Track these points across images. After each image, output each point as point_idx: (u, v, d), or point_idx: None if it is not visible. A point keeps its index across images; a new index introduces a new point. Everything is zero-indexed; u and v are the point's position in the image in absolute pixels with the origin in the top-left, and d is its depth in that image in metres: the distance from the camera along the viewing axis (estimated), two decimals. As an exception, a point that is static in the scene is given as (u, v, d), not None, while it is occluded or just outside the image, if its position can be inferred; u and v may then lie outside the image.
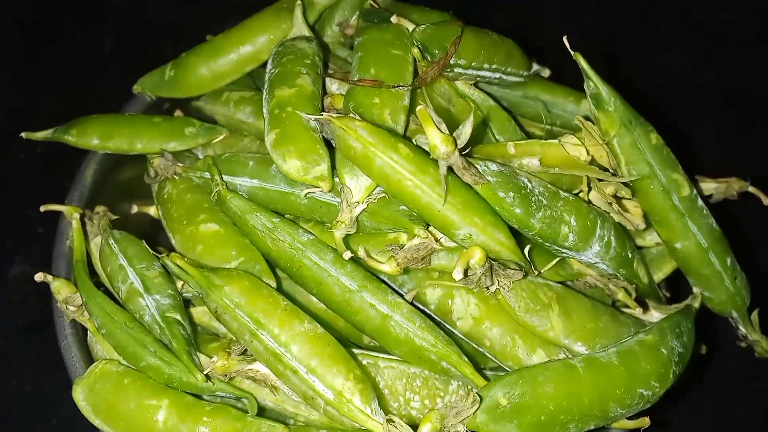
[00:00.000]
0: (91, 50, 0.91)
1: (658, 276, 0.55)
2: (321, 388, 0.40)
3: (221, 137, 0.58)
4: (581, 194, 0.50)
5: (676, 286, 0.58)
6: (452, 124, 0.52)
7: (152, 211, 0.56)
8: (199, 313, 0.50)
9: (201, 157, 0.59)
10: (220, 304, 0.42)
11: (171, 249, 0.54)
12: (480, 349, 0.48)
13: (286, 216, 0.49)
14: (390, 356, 0.47)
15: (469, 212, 0.41)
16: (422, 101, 0.51)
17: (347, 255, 0.43)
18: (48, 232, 0.59)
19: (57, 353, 0.50)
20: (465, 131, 0.39)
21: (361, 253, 0.43)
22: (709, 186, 0.57)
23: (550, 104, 0.60)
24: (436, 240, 0.43)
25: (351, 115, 0.41)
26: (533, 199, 0.43)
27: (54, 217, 0.56)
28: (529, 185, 0.44)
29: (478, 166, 0.41)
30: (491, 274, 0.41)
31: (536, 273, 0.45)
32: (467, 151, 0.40)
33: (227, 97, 0.58)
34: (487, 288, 0.41)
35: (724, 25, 0.95)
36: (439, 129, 0.38)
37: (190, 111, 0.62)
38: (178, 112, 0.64)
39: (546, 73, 0.62)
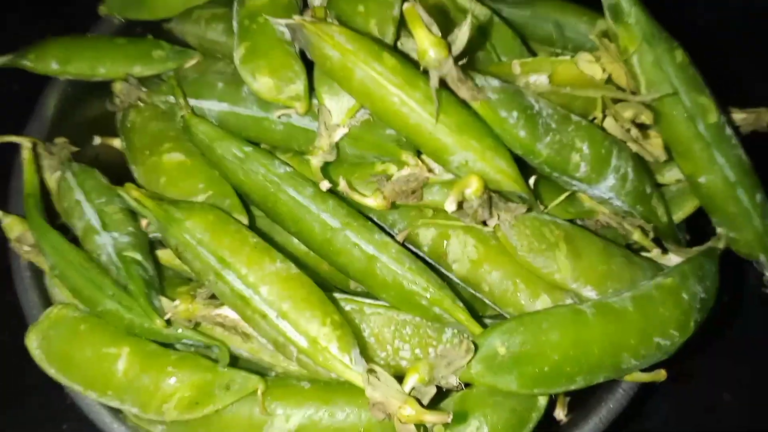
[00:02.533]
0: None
1: (678, 216, 0.49)
2: (293, 334, 0.35)
3: (193, 61, 0.52)
4: (595, 120, 0.44)
5: (697, 228, 0.53)
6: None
7: (117, 143, 0.50)
8: (168, 255, 0.45)
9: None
10: (181, 240, 0.37)
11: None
12: (478, 294, 0.43)
13: (261, 145, 0.43)
14: (377, 302, 0.42)
15: (465, 134, 0.35)
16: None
17: (325, 185, 0.37)
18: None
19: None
20: (461, 35, 0.33)
21: (342, 184, 0.38)
22: (736, 116, 0.51)
23: (562, 25, 0.54)
24: (429, 170, 0.38)
25: (328, 19, 0.35)
26: (540, 121, 0.37)
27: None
28: (536, 105, 0.38)
29: (478, 79, 0.36)
30: (490, 207, 0.35)
31: (542, 208, 0.40)
32: (463, 63, 0.34)
33: (198, 15, 0.52)
34: (485, 223, 0.35)
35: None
36: (429, 31, 0.32)
37: (163, 36, 0.56)
38: (149, 38, 0.58)
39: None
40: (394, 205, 0.39)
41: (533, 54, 0.51)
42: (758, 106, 0.52)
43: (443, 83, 0.34)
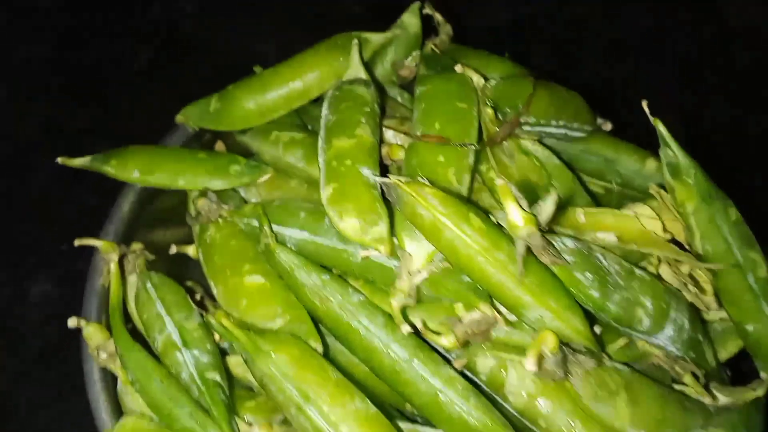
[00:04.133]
0: (124, 64, 0.89)
1: (722, 355, 0.51)
2: (373, 476, 0.37)
3: (266, 177, 0.55)
4: (649, 268, 0.47)
5: (736, 362, 0.55)
6: (512, 182, 0.50)
7: (191, 251, 0.53)
8: (233, 363, 0.47)
9: (243, 194, 0.56)
10: (267, 373, 0.39)
11: (202, 281, 0.52)
12: (534, 429, 0.45)
13: (334, 272, 0.46)
14: (438, 432, 0.44)
15: (544, 294, 0.38)
16: (486, 161, 0.48)
17: (406, 329, 0.40)
18: (71, 249, 0.57)
19: (75, 379, 0.48)
20: (546, 208, 0.36)
21: (418, 324, 0.40)
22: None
23: (612, 161, 0.57)
24: (500, 314, 0.40)
25: (419, 179, 0.38)
26: (610, 279, 0.40)
27: (77, 234, 0.53)
28: (605, 264, 0.41)
29: (554, 243, 0.38)
30: (564, 363, 0.38)
31: (607, 358, 0.42)
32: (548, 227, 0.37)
33: (276, 137, 0.55)
34: (560, 378, 0.37)
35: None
36: (520, 206, 0.35)
37: (231, 142, 0.60)
38: (219, 145, 0.61)
39: (608, 127, 0.59)
40: (464, 345, 0.42)
41: (588, 190, 0.54)
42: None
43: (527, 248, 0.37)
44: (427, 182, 0.38)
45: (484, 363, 0.45)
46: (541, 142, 0.52)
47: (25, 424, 0.64)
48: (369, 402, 0.40)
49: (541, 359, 0.37)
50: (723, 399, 0.48)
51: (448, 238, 0.38)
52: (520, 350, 0.43)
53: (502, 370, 0.44)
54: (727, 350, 0.52)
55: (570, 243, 0.39)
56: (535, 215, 0.36)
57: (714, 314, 0.52)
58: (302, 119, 0.60)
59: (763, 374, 0.50)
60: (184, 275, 0.54)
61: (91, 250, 0.53)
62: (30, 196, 0.78)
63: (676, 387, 0.48)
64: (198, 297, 0.52)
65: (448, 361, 0.44)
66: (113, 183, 0.56)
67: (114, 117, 0.83)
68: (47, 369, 0.68)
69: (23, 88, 0.86)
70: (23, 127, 0.83)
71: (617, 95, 0.82)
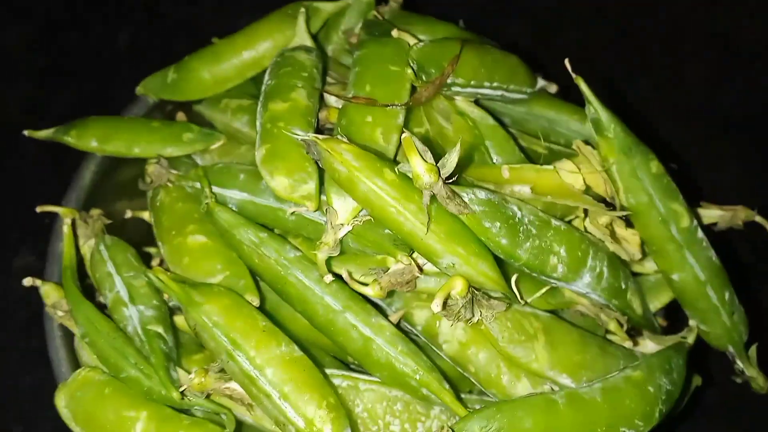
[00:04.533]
0: (105, 46, 0.91)
1: (655, 305, 0.53)
2: (293, 415, 0.39)
3: (219, 144, 0.57)
4: (576, 221, 0.49)
5: (676, 313, 0.57)
6: (449, 143, 0.52)
7: (146, 216, 0.55)
8: (182, 321, 0.50)
9: (200, 162, 0.58)
10: (199, 321, 0.42)
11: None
12: (465, 374, 0.47)
13: (275, 231, 0.48)
14: (371, 378, 0.46)
15: (452, 242, 0.40)
16: (421, 121, 0.50)
17: (328, 278, 0.42)
18: (53, 224, 0.60)
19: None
20: (450, 160, 0.38)
21: (344, 274, 0.43)
22: (713, 213, 0.56)
23: (555, 122, 0.58)
24: (419, 267, 0.43)
25: (338, 136, 0.41)
26: (521, 228, 0.42)
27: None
28: (519, 214, 0.43)
29: (464, 194, 0.41)
30: (472, 306, 0.40)
31: (523, 303, 0.44)
32: (456, 176, 0.39)
33: (225, 104, 0.58)
34: (468, 320, 0.40)
35: (747, 40, 0.92)
36: (423, 158, 0.37)
37: (193, 114, 0.62)
38: (180, 115, 0.63)
39: (553, 89, 0.60)
40: (389, 294, 0.44)
41: (525, 150, 0.56)
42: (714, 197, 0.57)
43: (434, 199, 0.39)
44: (344, 138, 0.40)
45: (420, 314, 0.47)
46: (477, 103, 0.54)
47: (11, 390, 0.67)
48: (295, 346, 0.42)
49: (449, 302, 0.39)
50: (651, 347, 0.50)
51: (363, 191, 0.40)
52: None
53: (436, 320, 0.47)
54: (660, 300, 0.54)
55: (481, 194, 0.41)
56: (437, 166, 0.38)
57: (648, 267, 0.54)
58: (258, 89, 0.62)
59: (691, 321, 0.52)
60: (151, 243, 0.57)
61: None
62: (11, 175, 0.81)
63: (608, 337, 0.50)
64: (157, 261, 0.55)
65: (385, 316, 0.46)
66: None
67: (95, 97, 0.86)
68: (31, 337, 0.72)
69: (3, 70, 0.89)
70: (4, 108, 0.85)
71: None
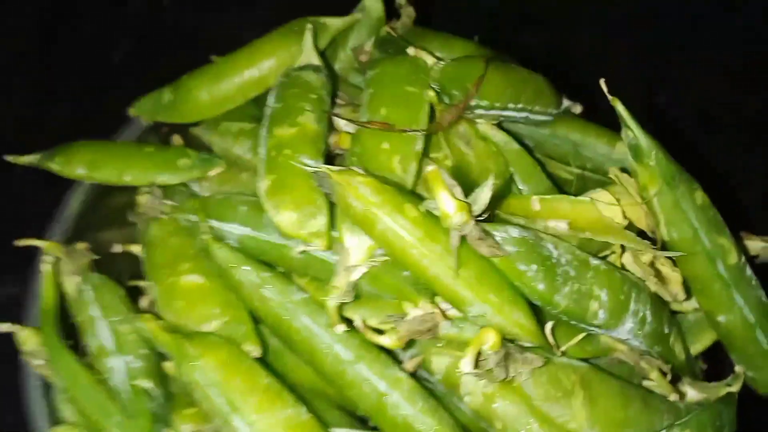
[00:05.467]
0: (104, 58, 0.87)
1: (696, 348, 0.49)
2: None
3: (217, 171, 0.53)
4: (612, 257, 0.44)
5: (714, 354, 0.52)
6: (471, 170, 0.48)
7: (137, 249, 0.51)
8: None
9: (198, 191, 0.54)
10: (192, 379, 0.37)
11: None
12: (490, 430, 0.42)
13: (278, 269, 0.44)
14: (386, 438, 0.41)
15: (483, 288, 0.35)
16: (439, 145, 0.45)
17: (340, 328, 0.37)
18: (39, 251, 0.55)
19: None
20: (482, 197, 0.33)
21: (357, 322, 0.38)
22: (755, 245, 0.51)
23: (581, 145, 0.54)
24: (443, 313, 0.38)
25: (353, 167, 0.36)
26: (559, 271, 0.37)
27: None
28: (555, 254, 0.38)
29: (497, 233, 0.36)
30: (506, 362, 0.35)
31: (559, 354, 0.39)
32: (487, 214, 0.34)
33: (225, 128, 0.53)
34: (503, 380, 0.35)
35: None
36: (452, 194, 0.33)
37: (190, 137, 0.58)
38: (176, 138, 0.59)
39: (578, 109, 0.56)
40: (408, 344, 0.39)
41: (550, 174, 0.51)
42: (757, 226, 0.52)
43: (463, 239, 0.34)
44: (360, 170, 0.36)
45: (439, 362, 0.42)
46: (500, 126, 0.49)
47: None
48: (302, 408, 0.37)
49: (479, 358, 0.34)
50: (692, 395, 0.45)
51: (381, 230, 0.35)
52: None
53: (456, 369, 0.42)
54: (702, 343, 0.49)
55: (514, 232, 0.37)
56: (468, 203, 0.33)
57: (687, 305, 0.49)
58: (260, 110, 0.57)
59: (738, 367, 0.47)
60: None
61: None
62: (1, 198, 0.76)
63: (645, 384, 0.45)
64: (146, 302, 0.50)
65: (400, 362, 0.42)
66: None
67: (92, 114, 0.81)
68: (16, 371, 0.67)
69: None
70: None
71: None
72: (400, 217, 0.35)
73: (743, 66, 0.86)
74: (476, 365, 0.34)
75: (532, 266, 0.36)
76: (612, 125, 0.57)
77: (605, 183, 0.51)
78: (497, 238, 0.35)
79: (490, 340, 0.34)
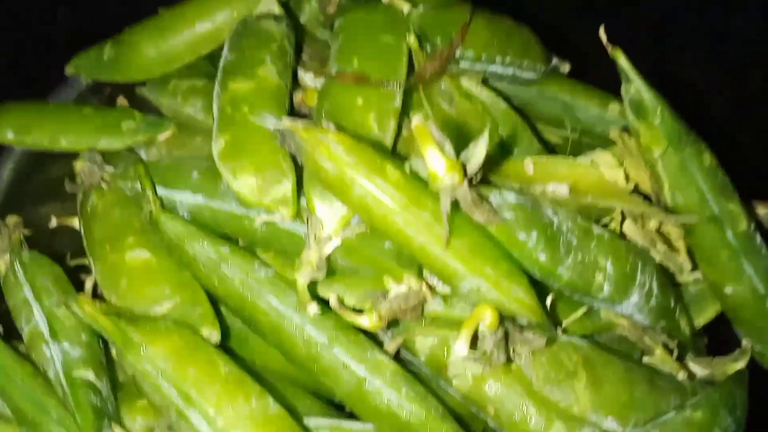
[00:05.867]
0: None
1: (698, 322, 0.45)
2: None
3: (166, 134, 0.47)
4: (612, 223, 0.40)
5: (714, 327, 0.49)
6: (452, 130, 0.43)
7: (76, 222, 0.44)
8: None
9: (145, 157, 0.48)
10: (139, 369, 0.32)
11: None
12: (481, 415, 0.38)
13: (239, 243, 0.38)
14: (365, 426, 0.37)
15: (478, 259, 0.31)
16: (419, 104, 0.40)
17: (313, 308, 0.32)
18: None
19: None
20: (477, 154, 0.28)
21: (333, 301, 0.33)
22: (762, 211, 0.48)
23: (571, 106, 0.49)
24: (431, 288, 0.33)
25: (324, 124, 0.31)
26: (561, 239, 0.33)
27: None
28: (555, 221, 0.33)
29: (492, 197, 0.31)
30: (506, 343, 0.30)
31: (560, 331, 0.35)
32: (481, 176, 0.29)
33: (175, 86, 0.47)
34: (503, 363, 0.30)
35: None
36: (442, 151, 0.28)
37: (136, 98, 0.51)
38: (121, 100, 0.52)
39: (566, 68, 0.51)
40: (390, 324, 0.34)
41: (541, 139, 0.47)
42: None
43: (455, 204, 0.29)
44: (331, 126, 0.30)
45: (424, 342, 0.38)
46: (485, 83, 0.45)
47: None
48: (269, 399, 0.32)
49: (475, 339, 0.30)
50: (700, 372, 0.41)
51: (359, 195, 0.30)
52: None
53: (443, 349, 0.37)
54: (704, 316, 0.45)
55: (511, 197, 0.32)
56: (462, 162, 0.28)
57: (687, 275, 0.45)
58: (215, 68, 0.51)
59: (745, 341, 0.43)
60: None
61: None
62: None
63: (645, 360, 0.42)
64: (90, 282, 0.44)
65: (380, 343, 0.37)
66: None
67: (18, 70, 0.73)
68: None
69: None
70: None
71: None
72: (380, 180, 0.30)
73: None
74: (472, 347, 0.29)
75: (532, 235, 0.32)
76: (603, 86, 0.53)
77: (597, 147, 0.47)
78: (493, 203, 0.30)
79: (487, 318, 0.30)
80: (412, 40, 0.39)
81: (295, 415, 0.34)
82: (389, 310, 0.33)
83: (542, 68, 0.47)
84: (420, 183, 0.30)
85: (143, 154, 0.48)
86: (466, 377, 0.37)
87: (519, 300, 0.32)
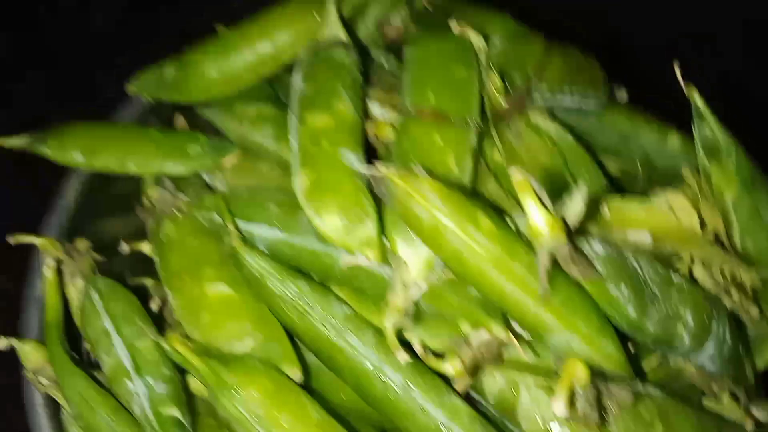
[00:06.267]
0: (78, 25, 0.79)
1: (759, 364, 0.45)
2: None
3: (232, 159, 0.47)
4: (682, 268, 0.40)
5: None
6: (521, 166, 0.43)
7: (147, 249, 0.45)
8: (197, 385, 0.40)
9: (208, 181, 0.48)
10: (233, 413, 0.32)
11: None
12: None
13: (314, 278, 0.39)
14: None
15: (571, 315, 0.31)
16: (489, 142, 0.40)
17: (403, 357, 0.33)
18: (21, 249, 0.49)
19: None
20: (574, 207, 0.29)
21: (417, 347, 0.33)
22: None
23: (629, 137, 0.49)
24: (518, 337, 0.33)
25: (415, 168, 0.31)
26: (646, 291, 0.33)
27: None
28: (639, 271, 0.34)
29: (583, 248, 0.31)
30: (599, 402, 0.31)
31: (640, 385, 0.35)
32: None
33: (242, 112, 0.47)
34: (599, 424, 0.31)
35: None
36: (545, 208, 0.28)
37: (195, 118, 0.52)
38: (180, 121, 0.53)
39: (624, 96, 0.51)
40: (472, 372, 0.35)
41: (605, 173, 0.47)
42: None
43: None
44: (423, 172, 0.31)
45: (492, 383, 0.38)
46: (551, 115, 0.45)
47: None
48: (358, 444, 0.33)
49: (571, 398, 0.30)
50: (765, 419, 0.41)
51: (452, 246, 0.30)
52: (534, 370, 0.37)
53: (512, 391, 0.38)
54: (764, 358, 0.46)
55: (599, 248, 0.32)
56: (562, 218, 0.28)
57: (754, 320, 0.45)
58: (275, 90, 0.51)
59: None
60: (147, 272, 0.47)
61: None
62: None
63: (704, 402, 0.42)
64: (155, 306, 0.44)
65: (448, 382, 0.37)
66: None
67: (70, 87, 0.74)
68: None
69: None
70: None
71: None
72: (474, 230, 0.30)
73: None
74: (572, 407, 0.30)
75: (621, 288, 0.32)
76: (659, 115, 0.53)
77: (658, 182, 0.47)
78: (590, 260, 0.31)
79: (580, 375, 0.30)
80: (495, 79, 0.39)
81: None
82: (473, 357, 0.34)
83: (604, 98, 0.47)
84: (512, 234, 0.31)
85: (207, 179, 0.48)
86: (535, 420, 0.38)
87: (608, 355, 0.32)
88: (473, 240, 0.30)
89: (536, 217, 0.28)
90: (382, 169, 0.30)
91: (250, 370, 0.33)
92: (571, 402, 0.30)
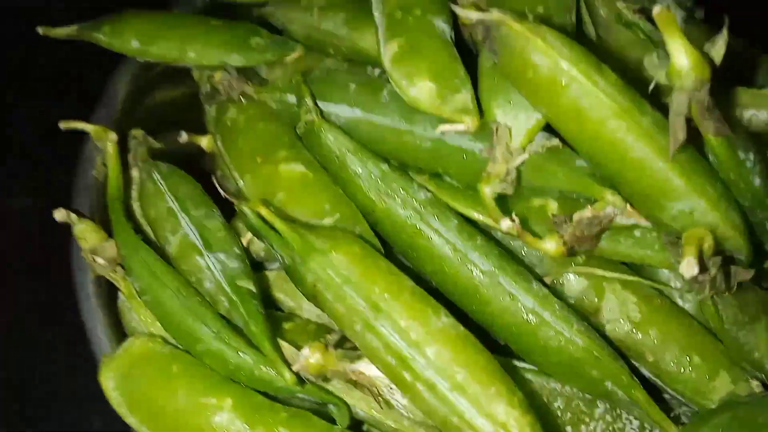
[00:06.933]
0: None
1: None
2: (473, 415, 0.27)
3: (295, 55, 0.44)
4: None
5: None
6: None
7: (204, 142, 0.42)
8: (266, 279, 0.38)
9: (264, 77, 0.45)
10: (323, 278, 0.30)
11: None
12: (636, 364, 0.36)
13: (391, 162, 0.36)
14: (525, 365, 0.35)
15: (699, 176, 0.28)
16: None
17: (507, 224, 0.30)
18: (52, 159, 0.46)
19: (65, 298, 0.38)
20: (717, 50, 0.26)
21: (514, 224, 0.31)
22: None
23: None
24: (624, 209, 0.31)
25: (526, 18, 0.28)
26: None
27: (54, 140, 0.42)
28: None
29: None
30: (725, 271, 0.28)
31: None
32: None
33: (309, 1, 0.44)
34: (723, 292, 0.28)
35: None
36: (689, 44, 0.25)
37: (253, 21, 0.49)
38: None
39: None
40: (570, 253, 0.32)
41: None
42: None
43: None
44: (538, 21, 0.28)
45: (573, 284, 0.36)
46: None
47: (10, 353, 0.55)
48: (455, 319, 0.30)
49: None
50: None
51: (573, 99, 0.28)
52: (623, 269, 0.34)
53: (595, 293, 0.35)
54: None
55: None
56: (710, 57, 0.26)
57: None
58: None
59: None
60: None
61: (70, 158, 0.42)
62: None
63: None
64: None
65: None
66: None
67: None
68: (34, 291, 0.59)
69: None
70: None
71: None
72: (601, 79, 0.27)
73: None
74: (701, 273, 0.27)
75: (750, 155, 0.29)
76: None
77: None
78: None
79: (708, 239, 0.27)
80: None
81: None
82: (573, 236, 0.31)
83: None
84: (633, 87, 0.28)
85: (263, 75, 0.45)
86: (620, 323, 0.35)
87: (736, 226, 0.29)
88: (600, 90, 0.27)
89: (679, 53, 0.25)
90: (497, 15, 0.28)
91: (338, 236, 0.31)
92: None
